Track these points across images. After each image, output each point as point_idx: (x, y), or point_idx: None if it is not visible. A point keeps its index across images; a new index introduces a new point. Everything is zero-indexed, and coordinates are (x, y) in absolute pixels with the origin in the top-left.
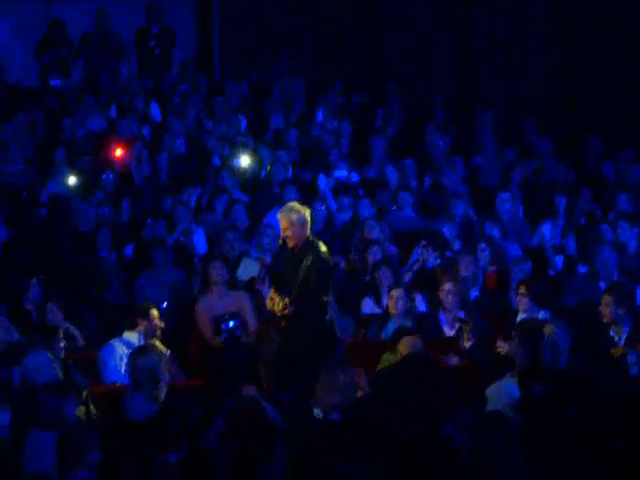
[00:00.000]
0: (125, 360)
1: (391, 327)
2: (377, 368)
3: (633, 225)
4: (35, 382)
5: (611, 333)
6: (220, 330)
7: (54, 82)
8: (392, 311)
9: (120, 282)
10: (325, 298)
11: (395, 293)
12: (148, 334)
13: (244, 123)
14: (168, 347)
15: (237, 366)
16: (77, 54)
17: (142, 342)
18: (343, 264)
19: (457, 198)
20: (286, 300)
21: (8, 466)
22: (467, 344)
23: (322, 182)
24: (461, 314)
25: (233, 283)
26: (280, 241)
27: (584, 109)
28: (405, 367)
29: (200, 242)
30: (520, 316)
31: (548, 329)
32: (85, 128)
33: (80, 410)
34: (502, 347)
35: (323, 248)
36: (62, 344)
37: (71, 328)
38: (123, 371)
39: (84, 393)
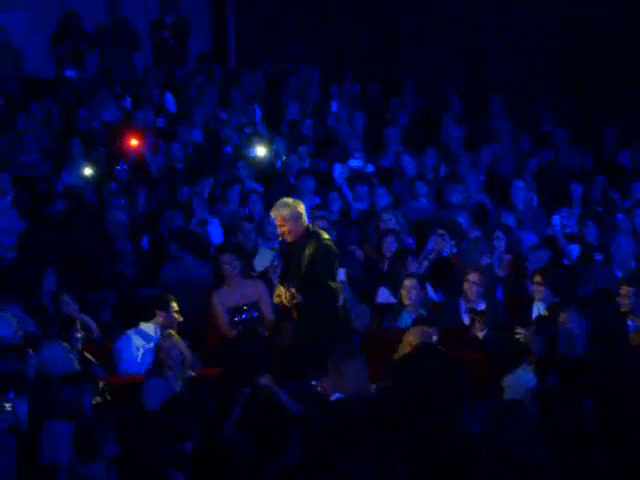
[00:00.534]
0: (141, 351)
1: (405, 316)
2: (393, 357)
3: None
4: (51, 373)
5: (629, 322)
6: (236, 321)
7: (69, 73)
8: (405, 301)
9: (136, 273)
10: (332, 284)
11: (408, 283)
12: (166, 326)
13: (259, 113)
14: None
15: (253, 356)
16: (92, 45)
17: (158, 333)
18: (359, 253)
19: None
20: (292, 290)
21: (25, 457)
22: (480, 334)
23: (337, 172)
24: (482, 305)
25: (249, 273)
26: (279, 238)
27: (600, 97)
28: (417, 357)
29: (215, 233)
30: (536, 304)
31: (563, 317)
32: (100, 119)
33: (96, 401)
34: (521, 334)
35: (325, 235)
36: (79, 335)
37: (86, 319)
38: (139, 362)
39: (100, 384)
